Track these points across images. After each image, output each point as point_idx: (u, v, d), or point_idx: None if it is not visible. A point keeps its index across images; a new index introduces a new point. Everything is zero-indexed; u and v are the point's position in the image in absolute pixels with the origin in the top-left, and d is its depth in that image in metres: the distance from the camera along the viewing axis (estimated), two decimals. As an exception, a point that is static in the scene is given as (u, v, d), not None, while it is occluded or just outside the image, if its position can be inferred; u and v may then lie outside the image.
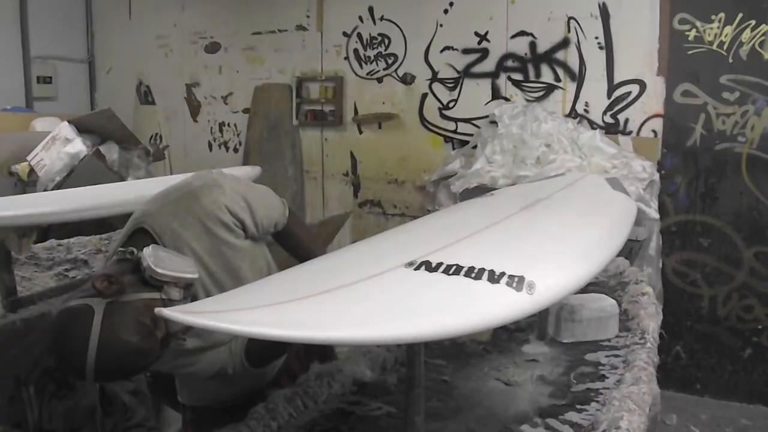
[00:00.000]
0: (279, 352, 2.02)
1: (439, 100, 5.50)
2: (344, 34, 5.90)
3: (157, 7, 6.93)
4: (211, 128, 6.71)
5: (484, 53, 5.28)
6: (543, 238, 1.77)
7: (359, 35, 5.83)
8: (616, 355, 2.26)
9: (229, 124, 6.61)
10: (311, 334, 1.07)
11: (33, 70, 6.77)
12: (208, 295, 1.74)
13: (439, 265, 1.31)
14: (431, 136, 5.56)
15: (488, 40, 5.25)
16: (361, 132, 5.90)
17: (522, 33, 5.14)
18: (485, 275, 1.26)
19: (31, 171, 4.77)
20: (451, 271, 1.29)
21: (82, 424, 2.69)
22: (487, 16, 5.22)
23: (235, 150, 6.55)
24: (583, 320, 2.41)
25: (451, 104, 5.46)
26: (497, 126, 4.94)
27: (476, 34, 5.29)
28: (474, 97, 5.35)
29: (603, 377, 2.11)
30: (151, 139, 6.89)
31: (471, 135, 5.28)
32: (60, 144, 4.81)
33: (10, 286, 2.82)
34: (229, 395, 2.05)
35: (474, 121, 5.34)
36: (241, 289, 1.35)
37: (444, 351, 2.35)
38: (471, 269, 1.28)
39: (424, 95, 5.56)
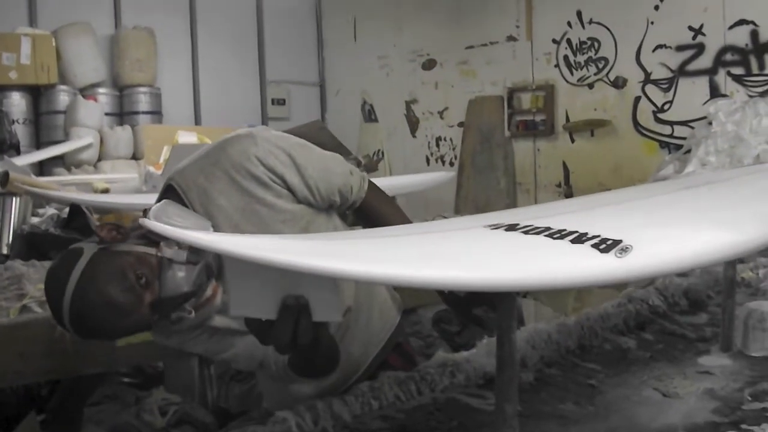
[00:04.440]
0: (326, 365, 1.72)
1: (653, 103, 5.48)
2: (554, 41, 6.08)
3: (378, 29, 7.60)
4: (429, 143, 7.18)
5: (700, 48, 5.19)
6: (676, 210, 1.63)
7: (568, 41, 5.98)
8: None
9: (445, 138, 7.04)
10: (337, 265, 1.00)
11: (268, 93, 7.80)
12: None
13: (525, 227, 1.24)
14: (646, 142, 5.54)
15: (704, 34, 5.16)
16: (573, 141, 6.01)
17: (742, 22, 4.98)
18: (570, 236, 1.16)
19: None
20: (530, 231, 1.21)
21: (251, 407, 3.14)
22: (701, 7, 5.14)
23: (451, 164, 6.95)
24: (777, 329, 2.15)
25: (666, 106, 5.41)
26: (712, 126, 4.82)
27: (690, 28, 5.21)
28: (691, 97, 5.26)
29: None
30: (374, 155, 7.52)
31: (687, 138, 5.19)
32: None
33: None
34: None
35: (691, 123, 5.23)
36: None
37: (602, 355, 2.23)
38: (555, 230, 1.18)
39: (637, 99, 5.57)
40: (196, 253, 1.46)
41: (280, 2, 8.01)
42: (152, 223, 1.18)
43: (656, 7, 5.37)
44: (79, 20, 6.55)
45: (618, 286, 3.06)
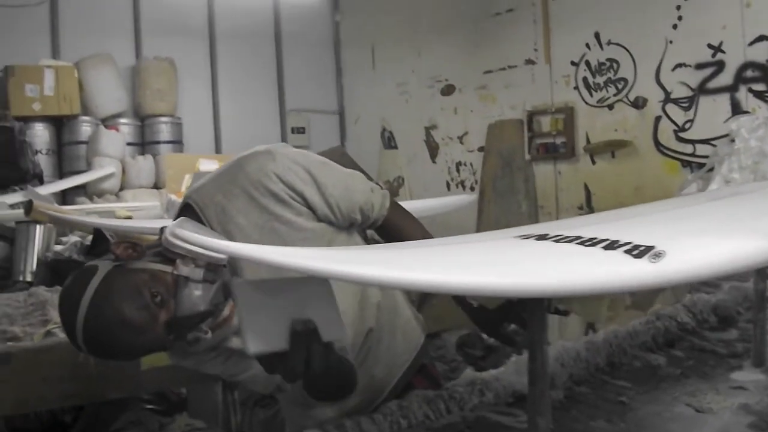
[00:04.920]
0: (341, 388, 1.68)
1: (673, 122, 5.45)
2: (572, 63, 6.09)
3: (397, 56, 7.65)
4: (449, 168, 7.18)
5: (720, 66, 5.16)
6: (706, 219, 1.62)
7: (587, 63, 5.98)
8: None
9: (465, 163, 7.04)
10: (375, 272, 0.99)
11: (288, 121, 7.86)
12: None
13: (555, 236, 1.24)
14: (667, 162, 5.50)
15: (723, 51, 5.14)
16: (594, 162, 5.99)
17: (762, 38, 4.95)
18: (602, 243, 1.15)
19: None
20: (561, 240, 1.21)
21: (275, 433, 3.13)
22: (719, 24, 5.12)
23: (471, 188, 6.95)
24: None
25: (687, 125, 5.38)
26: (735, 142, 4.78)
27: (709, 46, 5.19)
28: (712, 114, 5.23)
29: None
30: (394, 181, 7.53)
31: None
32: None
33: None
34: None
35: (713, 141, 5.20)
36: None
37: (632, 372, 2.21)
38: (586, 239, 1.18)
39: (658, 118, 5.55)
40: (213, 271, 1.43)
41: (299, 31, 8.08)
42: (182, 232, 1.20)
43: (674, 26, 5.36)
44: (100, 51, 6.65)
45: (643, 306, 3.04)
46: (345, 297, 1.68)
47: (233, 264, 1.53)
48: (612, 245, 1.13)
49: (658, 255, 1.09)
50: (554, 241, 1.22)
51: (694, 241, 1.23)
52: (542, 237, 1.26)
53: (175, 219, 1.60)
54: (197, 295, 1.40)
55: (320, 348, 1.20)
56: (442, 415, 1.74)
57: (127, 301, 1.35)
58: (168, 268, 1.41)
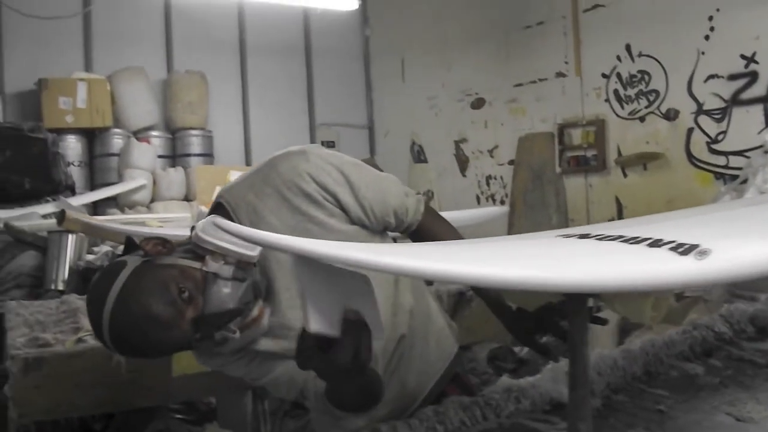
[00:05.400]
0: (365, 399, 1.62)
1: (706, 134, 5.39)
2: (603, 75, 6.05)
3: (426, 70, 7.66)
4: (479, 182, 7.15)
5: (753, 77, 5.11)
6: (746, 221, 1.61)
7: (618, 75, 5.93)
8: None
9: (495, 177, 7.01)
10: (424, 264, 0.98)
11: (318, 136, 7.90)
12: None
13: (597, 235, 1.24)
14: (700, 174, 5.44)
15: (756, 62, 5.08)
16: (625, 175, 5.93)
17: (797, 49, 4.90)
18: (646, 241, 1.14)
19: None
20: (603, 238, 1.21)
21: (305, 445, 3.11)
22: (752, 35, 5.07)
23: (502, 202, 6.91)
24: None
25: (719, 137, 5.32)
26: (768, 154, 4.72)
27: (742, 56, 5.14)
28: (745, 126, 5.17)
29: None
30: (423, 195, 7.50)
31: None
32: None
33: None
34: None
35: (747, 153, 5.12)
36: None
37: (669, 381, 2.17)
38: (629, 237, 1.17)
39: (690, 130, 5.49)
40: (242, 269, 1.41)
41: (329, 45, 8.13)
42: (225, 222, 1.17)
43: (707, 37, 5.31)
44: (132, 65, 6.74)
45: (676, 320, 2.99)
46: (378, 301, 1.69)
47: (263, 266, 1.51)
48: (656, 243, 1.12)
49: (704, 253, 1.07)
50: (597, 239, 1.21)
51: (737, 241, 1.21)
52: (584, 236, 1.24)
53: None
54: (226, 293, 1.38)
55: (369, 344, 1.19)
56: (478, 422, 1.71)
57: (153, 296, 1.33)
58: (197, 265, 1.39)
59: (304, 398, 1.66)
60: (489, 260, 1.12)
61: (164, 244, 1.42)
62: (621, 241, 1.16)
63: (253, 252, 1.42)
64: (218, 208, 1.59)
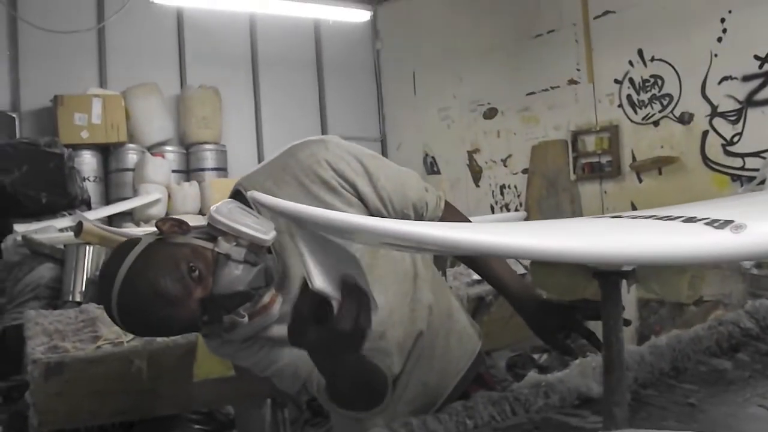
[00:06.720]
0: (368, 395, 1.61)
1: (721, 136, 5.35)
2: (616, 81, 6.03)
3: (438, 81, 7.65)
4: (492, 191, 7.13)
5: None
6: None
7: (631, 80, 5.91)
8: None
9: (509, 186, 6.98)
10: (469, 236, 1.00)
11: (330, 149, 7.85)
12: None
13: (629, 215, 1.25)
14: (716, 176, 5.40)
15: (771, 63, 5.04)
16: (640, 180, 5.90)
17: (811, 48, 4.86)
18: (680, 218, 1.14)
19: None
20: (636, 217, 1.21)
21: (327, 453, 3.07)
22: (766, 35, 5.05)
23: (516, 210, 6.85)
24: None
25: (735, 139, 5.28)
26: (786, 155, 4.69)
27: (756, 57, 5.11)
28: (761, 127, 5.14)
29: None
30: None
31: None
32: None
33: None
34: None
35: (763, 154, 5.09)
36: None
37: (698, 375, 2.15)
38: (662, 216, 1.17)
39: (705, 133, 5.45)
40: (255, 253, 1.39)
41: (340, 59, 8.14)
42: (257, 194, 1.16)
43: (719, 39, 5.28)
44: (146, 81, 6.75)
45: (698, 323, 2.95)
46: (395, 296, 1.66)
47: (279, 254, 1.50)
48: (690, 219, 1.12)
49: (740, 227, 1.07)
50: (630, 218, 1.21)
51: (771, 218, 1.20)
52: (616, 217, 1.24)
53: None
54: (236, 275, 1.36)
55: (369, 314, 1.18)
56: (508, 417, 1.70)
57: (162, 272, 1.32)
58: (210, 245, 1.37)
59: (306, 393, 1.63)
60: (526, 233, 1.10)
61: (180, 225, 1.41)
62: (655, 219, 1.16)
63: (267, 236, 1.40)
64: (237, 195, 1.56)
